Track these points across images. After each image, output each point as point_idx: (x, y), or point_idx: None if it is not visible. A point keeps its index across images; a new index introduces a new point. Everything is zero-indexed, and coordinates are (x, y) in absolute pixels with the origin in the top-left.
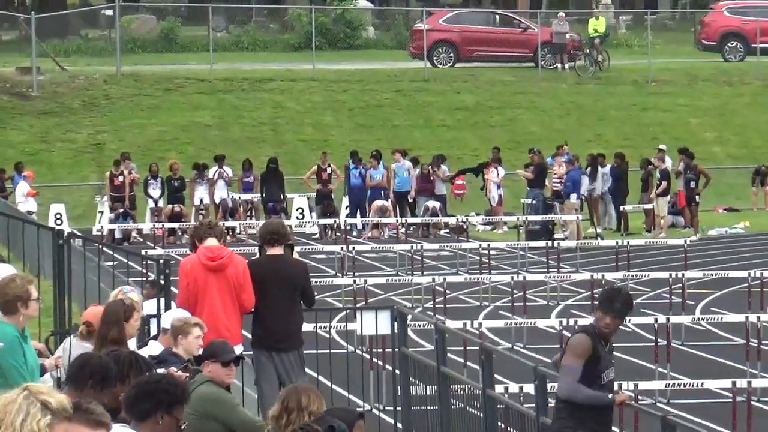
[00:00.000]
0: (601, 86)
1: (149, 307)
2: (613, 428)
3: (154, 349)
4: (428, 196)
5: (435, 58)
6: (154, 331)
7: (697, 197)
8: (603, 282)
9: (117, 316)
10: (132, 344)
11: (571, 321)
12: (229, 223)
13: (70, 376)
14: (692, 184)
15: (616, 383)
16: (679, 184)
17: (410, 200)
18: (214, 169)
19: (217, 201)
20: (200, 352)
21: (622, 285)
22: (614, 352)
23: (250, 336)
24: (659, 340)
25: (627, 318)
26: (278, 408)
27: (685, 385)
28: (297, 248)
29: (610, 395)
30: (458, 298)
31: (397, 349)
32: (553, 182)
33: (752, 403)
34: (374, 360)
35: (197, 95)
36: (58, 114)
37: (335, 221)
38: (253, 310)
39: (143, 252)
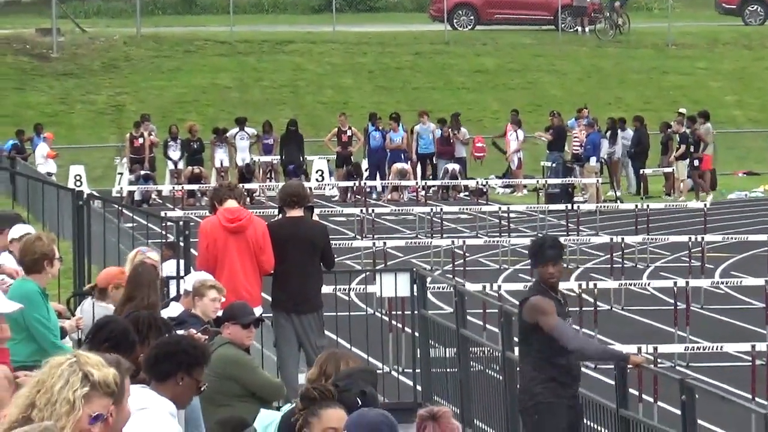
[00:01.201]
0: (622, 49)
1: (168, 268)
2: (632, 390)
3: (174, 310)
4: (448, 158)
5: (455, 20)
6: (173, 292)
7: (695, 161)
8: (622, 245)
9: (151, 277)
10: None
11: (591, 284)
12: (248, 185)
13: (88, 338)
14: (692, 149)
15: (634, 346)
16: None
17: (433, 162)
18: (234, 130)
19: (240, 163)
20: (217, 314)
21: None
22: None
23: (269, 298)
24: (679, 303)
25: (562, 255)
26: (316, 371)
27: (704, 349)
28: (316, 210)
29: (625, 351)
30: (478, 260)
31: (416, 312)
32: (573, 145)
33: None
34: (393, 322)
35: (217, 57)
36: (77, 75)
37: (354, 184)
38: (272, 272)
39: (163, 214)
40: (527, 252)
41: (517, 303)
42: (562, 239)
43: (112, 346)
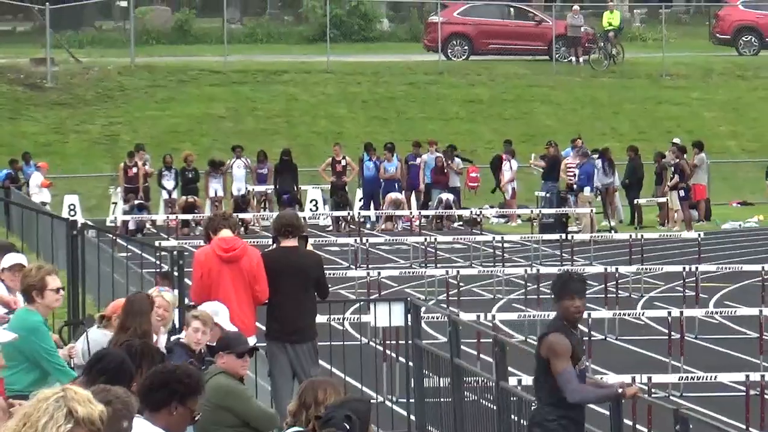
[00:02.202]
0: (616, 80)
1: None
2: (626, 421)
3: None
4: (442, 188)
5: (449, 50)
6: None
7: (681, 192)
8: (616, 275)
9: (144, 307)
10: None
11: (585, 314)
12: (243, 215)
13: (85, 369)
14: (677, 177)
15: (629, 376)
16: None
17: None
18: (232, 160)
19: (235, 192)
20: (202, 345)
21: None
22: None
23: (263, 328)
24: (673, 333)
25: (585, 291)
26: (296, 403)
27: (698, 379)
28: (311, 240)
29: (620, 389)
30: (471, 290)
31: (410, 341)
32: (568, 175)
33: (766, 396)
34: (387, 352)
35: (211, 87)
36: (72, 105)
37: (349, 213)
38: (266, 301)
39: (157, 243)
40: (551, 286)
41: (537, 338)
42: (556, 269)
43: (108, 380)
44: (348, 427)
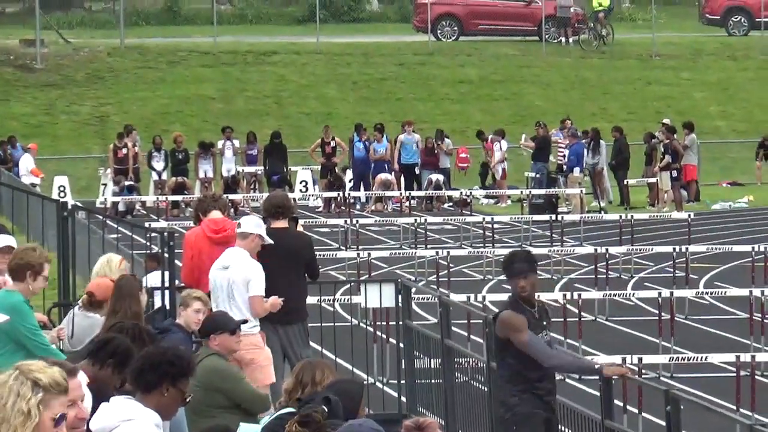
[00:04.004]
0: (606, 60)
1: (153, 279)
2: (617, 402)
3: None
4: (432, 169)
5: (439, 31)
6: (158, 303)
7: (673, 172)
8: (606, 255)
9: (133, 288)
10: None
11: (575, 295)
12: (233, 196)
13: (92, 352)
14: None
15: (619, 357)
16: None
17: (417, 173)
18: (221, 141)
19: (225, 173)
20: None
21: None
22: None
23: None
24: (663, 314)
25: (535, 268)
26: (293, 382)
27: (688, 359)
28: (301, 221)
29: (597, 365)
30: (462, 271)
31: (401, 323)
32: (558, 156)
33: (756, 377)
34: (378, 333)
35: (201, 68)
36: (61, 86)
37: (339, 194)
38: None
39: (147, 224)
40: (501, 265)
41: (492, 318)
42: (546, 250)
43: (118, 363)
44: (327, 408)
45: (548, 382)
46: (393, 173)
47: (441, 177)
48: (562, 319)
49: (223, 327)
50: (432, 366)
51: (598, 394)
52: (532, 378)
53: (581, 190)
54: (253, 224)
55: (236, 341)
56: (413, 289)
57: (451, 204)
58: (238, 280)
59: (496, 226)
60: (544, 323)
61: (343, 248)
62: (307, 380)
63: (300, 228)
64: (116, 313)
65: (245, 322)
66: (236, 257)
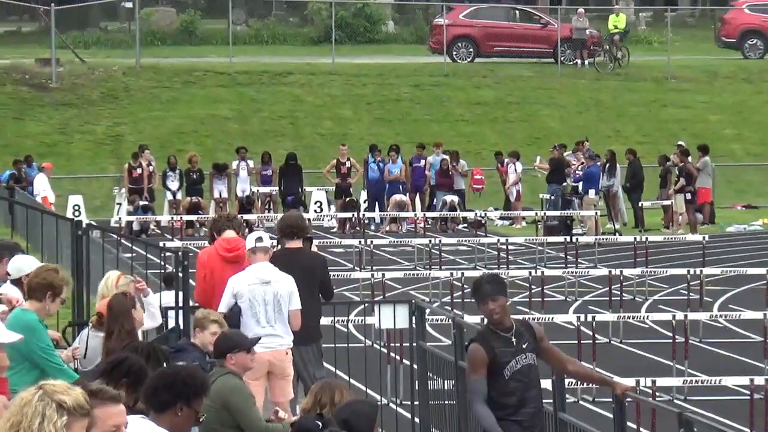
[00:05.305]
0: (621, 82)
1: (166, 298)
2: (630, 424)
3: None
4: (446, 190)
5: (455, 53)
6: (171, 323)
7: (688, 195)
8: (621, 277)
9: (123, 308)
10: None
11: (589, 317)
12: (248, 216)
13: (106, 372)
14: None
15: (633, 379)
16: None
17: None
18: (236, 162)
19: (239, 194)
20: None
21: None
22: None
23: None
24: (677, 336)
25: (504, 291)
26: (311, 401)
27: (702, 382)
28: (315, 242)
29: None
30: None
31: (414, 344)
32: (574, 176)
33: None
34: (392, 354)
35: (216, 88)
36: (77, 106)
37: (353, 215)
38: None
39: (161, 244)
40: (470, 291)
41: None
42: (560, 271)
43: (132, 382)
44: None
45: (530, 408)
46: (407, 194)
47: (455, 198)
48: (576, 341)
49: (240, 345)
50: (446, 387)
51: (611, 416)
52: (510, 404)
53: (596, 212)
54: (268, 237)
55: (251, 359)
56: (427, 310)
57: (465, 225)
58: (284, 293)
59: (510, 247)
60: (524, 345)
61: (358, 269)
62: (325, 401)
63: (314, 248)
64: (111, 334)
65: (259, 339)
66: (272, 271)
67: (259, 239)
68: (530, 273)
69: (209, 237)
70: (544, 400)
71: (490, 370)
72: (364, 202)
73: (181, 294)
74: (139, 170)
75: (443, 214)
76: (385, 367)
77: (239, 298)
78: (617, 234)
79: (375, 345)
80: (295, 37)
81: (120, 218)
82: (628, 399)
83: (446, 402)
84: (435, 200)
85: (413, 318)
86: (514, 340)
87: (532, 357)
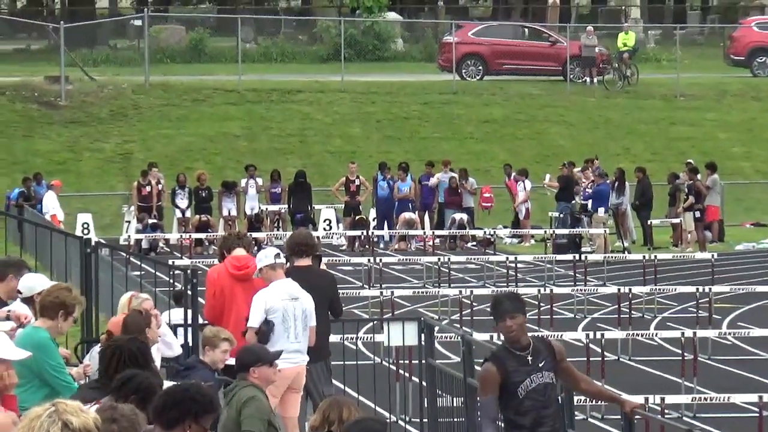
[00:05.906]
0: (630, 100)
1: (175, 316)
2: None
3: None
4: (455, 208)
5: (464, 70)
6: (181, 340)
7: (697, 213)
8: (630, 295)
9: (138, 326)
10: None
11: (598, 334)
12: (257, 234)
13: (115, 388)
14: (692, 198)
15: (641, 397)
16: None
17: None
18: (244, 180)
19: (248, 212)
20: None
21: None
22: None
23: None
24: (686, 354)
25: (522, 309)
26: (319, 419)
27: (711, 400)
28: (324, 259)
29: None
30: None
31: (423, 361)
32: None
33: None
34: (401, 372)
35: (225, 106)
36: (86, 123)
37: (362, 233)
38: None
39: (170, 262)
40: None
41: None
42: (569, 289)
43: (140, 399)
44: None
45: (547, 427)
46: (416, 212)
47: (464, 216)
48: (586, 359)
49: (263, 359)
50: (455, 405)
51: None
52: (525, 424)
53: (605, 230)
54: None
55: (274, 372)
56: (436, 328)
57: (474, 243)
58: (309, 309)
59: (519, 265)
60: (540, 364)
61: (367, 286)
62: (334, 418)
63: (323, 266)
64: None
65: (281, 354)
66: (298, 287)
67: (278, 255)
68: (539, 291)
69: (219, 255)
70: None
71: (503, 390)
72: (373, 219)
73: (190, 312)
74: (148, 188)
75: (452, 232)
76: (394, 385)
77: (272, 313)
78: (626, 252)
79: (384, 362)
80: (304, 55)
81: (129, 236)
82: (637, 416)
83: (455, 419)
84: (444, 218)
85: (422, 335)
86: (530, 358)
87: (549, 376)
